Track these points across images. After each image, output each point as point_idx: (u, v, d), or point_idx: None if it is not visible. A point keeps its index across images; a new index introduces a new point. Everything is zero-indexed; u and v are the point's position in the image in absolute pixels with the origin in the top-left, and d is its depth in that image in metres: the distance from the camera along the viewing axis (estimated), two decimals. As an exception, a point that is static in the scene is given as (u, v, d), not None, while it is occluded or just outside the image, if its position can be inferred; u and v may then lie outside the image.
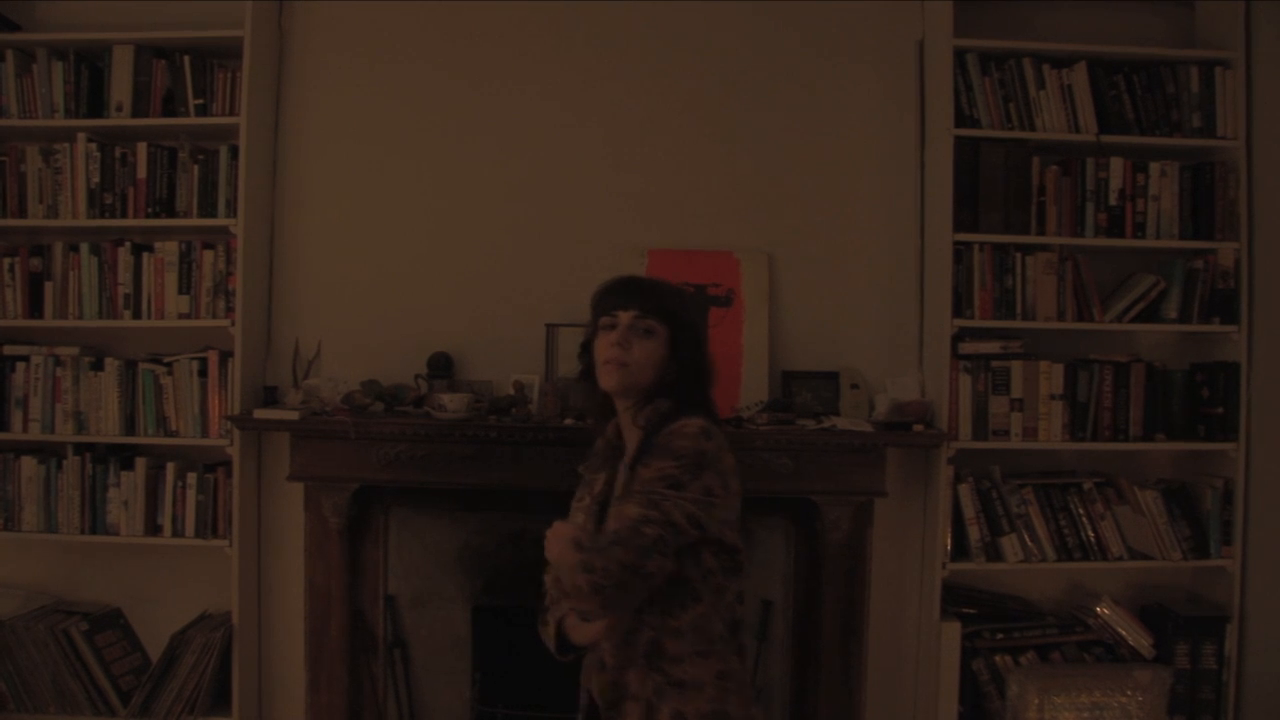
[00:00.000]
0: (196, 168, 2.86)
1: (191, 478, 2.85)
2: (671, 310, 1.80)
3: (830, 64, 2.97)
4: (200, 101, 2.86)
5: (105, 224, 2.87)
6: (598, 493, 1.81)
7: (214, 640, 2.81)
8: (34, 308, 2.88)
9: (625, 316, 1.78)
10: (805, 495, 2.71)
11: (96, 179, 2.86)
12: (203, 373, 2.85)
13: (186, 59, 2.85)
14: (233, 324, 2.81)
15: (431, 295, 2.96)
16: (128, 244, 2.87)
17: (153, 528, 2.86)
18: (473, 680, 2.92)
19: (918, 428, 2.73)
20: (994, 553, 2.80)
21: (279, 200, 3.00)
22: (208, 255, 2.85)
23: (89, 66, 2.88)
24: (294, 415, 2.70)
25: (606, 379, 1.76)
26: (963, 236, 2.79)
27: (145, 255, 2.87)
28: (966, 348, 2.82)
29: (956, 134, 2.78)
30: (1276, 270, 2.80)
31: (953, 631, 2.77)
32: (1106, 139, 2.82)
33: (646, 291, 1.82)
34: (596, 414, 1.88)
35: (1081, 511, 2.82)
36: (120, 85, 2.86)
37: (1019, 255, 2.82)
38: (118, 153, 2.86)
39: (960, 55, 2.80)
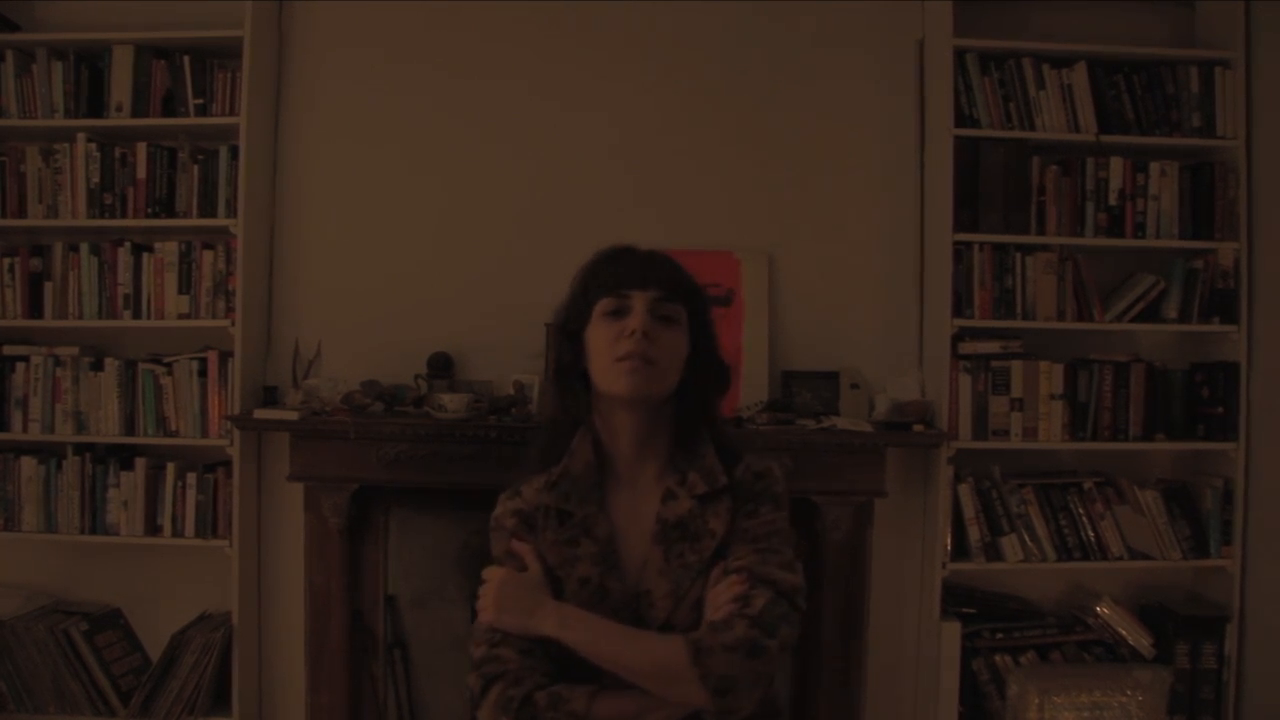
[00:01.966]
0: (196, 168, 2.86)
1: (191, 478, 2.85)
2: (694, 290, 1.45)
3: (830, 64, 2.97)
4: (200, 101, 2.85)
5: (105, 224, 2.86)
6: (604, 537, 1.40)
7: (214, 640, 2.81)
8: (34, 308, 2.88)
9: (643, 298, 1.38)
10: (805, 495, 2.70)
11: (96, 179, 2.86)
12: (202, 373, 2.84)
13: (186, 59, 2.84)
14: (233, 324, 2.81)
15: (431, 295, 2.95)
16: (127, 244, 2.87)
17: (153, 528, 2.86)
18: (473, 680, 2.91)
19: (918, 428, 2.73)
20: (994, 552, 2.80)
21: (279, 200, 3.00)
22: (208, 255, 2.85)
23: (89, 66, 2.88)
24: (294, 415, 2.69)
25: (622, 382, 1.35)
26: (962, 236, 2.79)
27: (145, 255, 2.87)
28: (966, 347, 2.82)
29: (956, 134, 2.78)
30: (1276, 270, 2.80)
31: (953, 631, 2.77)
32: (1106, 139, 2.82)
33: (666, 265, 1.44)
34: (568, 425, 1.46)
35: (1081, 511, 2.82)
36: (120, 85, 2.86)
37: (1019, 255, 2.82)
38: (117, 153, 2.86)
39: (960, 55, 2.81)
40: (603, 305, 1.40)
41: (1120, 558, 2.81)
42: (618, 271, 1.42)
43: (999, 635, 2.80)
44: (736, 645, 1.24)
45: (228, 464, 2.83)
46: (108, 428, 2.86)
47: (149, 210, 2.86)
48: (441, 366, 2.85)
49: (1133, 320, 2.85)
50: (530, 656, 1.33)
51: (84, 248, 2.87)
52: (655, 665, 1.26)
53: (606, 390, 1.39)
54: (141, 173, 2.85)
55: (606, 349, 1.37)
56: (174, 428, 2.86)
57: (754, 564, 1.32)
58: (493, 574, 1.42)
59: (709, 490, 1.38)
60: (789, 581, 1.32)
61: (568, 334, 1.45)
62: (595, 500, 1.42)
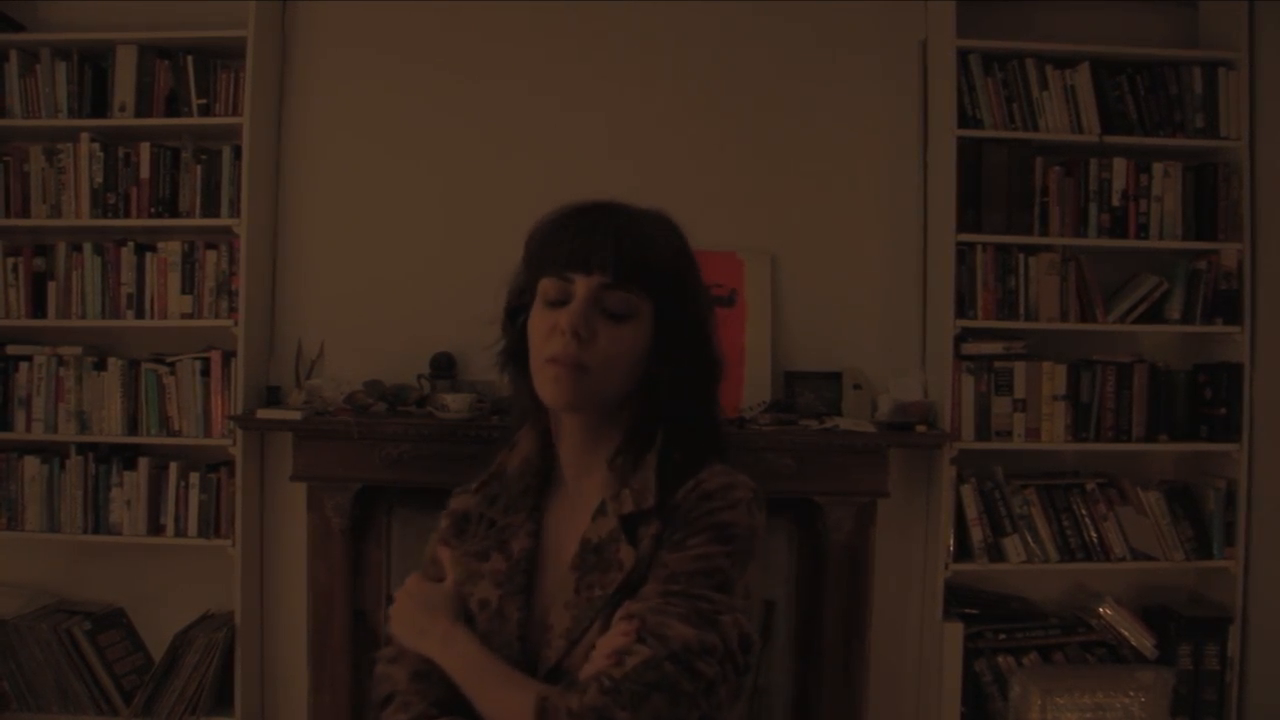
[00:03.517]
0: (199, 168, 2.86)
1: (194, 478, 2.85)
2: (665, 272, 1.14)
3: (833, 64, 2.97)
4: (203, 101, 2.86)
5: (108, 224, 2.86)
6: (519, 554, 1.17)
7: (216, 640, 2.81)
8: (37, 307, 2.88)
9: (586, 285, 1.10)
10: (808, 496, 2.71)
11: (100, 179, 2.86)
12: (205, 373, 2.85)
13: (189, 59, 2.85)
14: (235, 324, 2.81)
15: (434, 295, 2.95)
16: (131, 244, 2.87)
17: (155, 527, 2.86)
18: (475, 680, 2.91)
19: (920, 428, 2.73)
20: (996, 553, 2.80)
21: (282, 200, 3.00)
22: (210, 255, 2.86)
23: (92, 66, 2.88)
24: (296, 415, 2.70)
25: (549, 388, 1.11)
26: (965, 237, 2.79)
27: (148, 255, 2.87)
28: (969, 348, 2.82)
29: (959, 134, 2.78)
30: (1279, 271, 2.80)
31: (955, 632, 2.77)
32: (1109, 139, 2.82)
33: (623, 239, 1.12)
34: (524, 417, 1.25)
35: (1084, 512, 2.81)
36: (123, 85, 2.86)
37: (1022, 256, 2.82)
38: (121, 153, 2.86)
39: (963, 55, 2.80)
40: (544, 287, 1.13)
41: (1123, 559, 2.81)
42: (560, 245, 1.13)
43: (1001, 636, 2.80)
44: (581, 714, 0.98)
45: (230, 464, 2.83)
46: (110, 427, 2.86)
47: (152, 210, 2.86)
48: (444, 366, 2.85)
49: (1135, 321, 2.85)
50: (422, 680, 1.13)
51: (87, 247, 2.87)
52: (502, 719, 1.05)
53: (541, 397, 1.14)
54: (145, 172, 2.85)
55: (538, 345, 1.12)
56: (177, 427, 2.86)
57: (650, 610, 1.03)
58: (409, 580, 1.25)
59: (635, 510, 1.10)
60: (684, 639, 1.00)
61: (509, 315, 1.22)
62: (526, 507, 1.20)
